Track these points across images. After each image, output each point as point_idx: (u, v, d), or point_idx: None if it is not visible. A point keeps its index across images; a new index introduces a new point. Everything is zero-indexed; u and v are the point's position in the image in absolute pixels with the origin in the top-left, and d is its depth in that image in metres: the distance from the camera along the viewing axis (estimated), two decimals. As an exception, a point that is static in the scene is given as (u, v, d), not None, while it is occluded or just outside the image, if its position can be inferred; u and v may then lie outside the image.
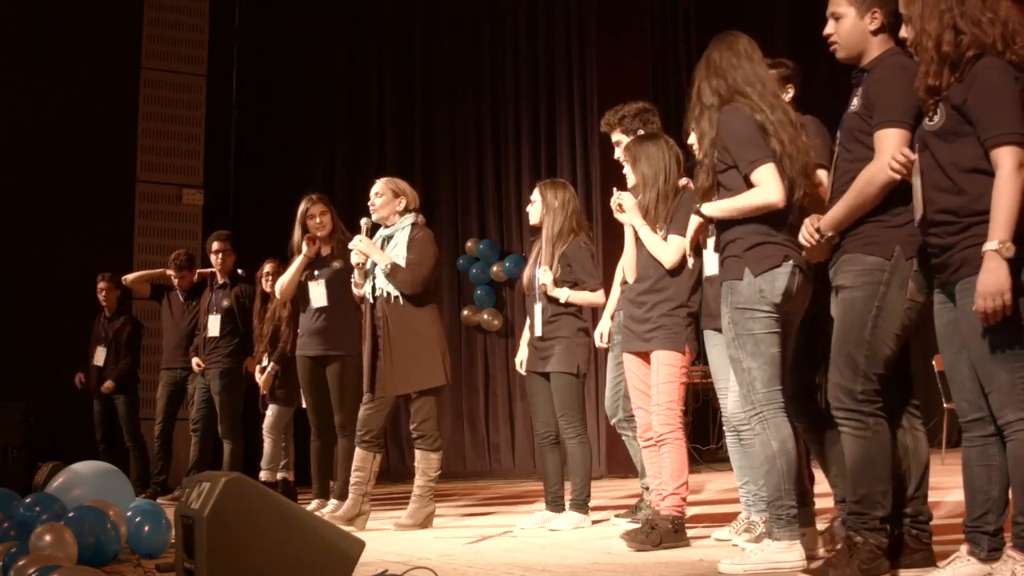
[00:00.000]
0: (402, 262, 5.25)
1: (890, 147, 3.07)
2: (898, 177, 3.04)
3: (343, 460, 5.93)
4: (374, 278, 5.31)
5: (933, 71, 2.88)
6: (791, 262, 3.44)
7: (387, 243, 5.37)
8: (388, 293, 5.25)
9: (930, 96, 2.93)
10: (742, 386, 3.50)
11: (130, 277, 7.80)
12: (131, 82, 9.43)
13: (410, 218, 5.40)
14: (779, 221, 3.47)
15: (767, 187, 3.43)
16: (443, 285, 9.67)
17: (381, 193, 5.42)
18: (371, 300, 5.34)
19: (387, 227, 5.41)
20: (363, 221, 5.40)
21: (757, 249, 3.46)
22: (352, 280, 5.45)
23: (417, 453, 5.33)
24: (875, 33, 3.24)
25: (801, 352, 3.65)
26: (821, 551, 3.64)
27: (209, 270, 7.66)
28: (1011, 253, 2.75)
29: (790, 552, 3.39)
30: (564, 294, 5.18)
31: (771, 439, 3.43)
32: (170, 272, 7.73)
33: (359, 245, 5.29)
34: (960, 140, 2.88)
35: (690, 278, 4.34)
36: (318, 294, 6.04)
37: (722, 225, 3.58)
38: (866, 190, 3.14)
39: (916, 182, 3.01)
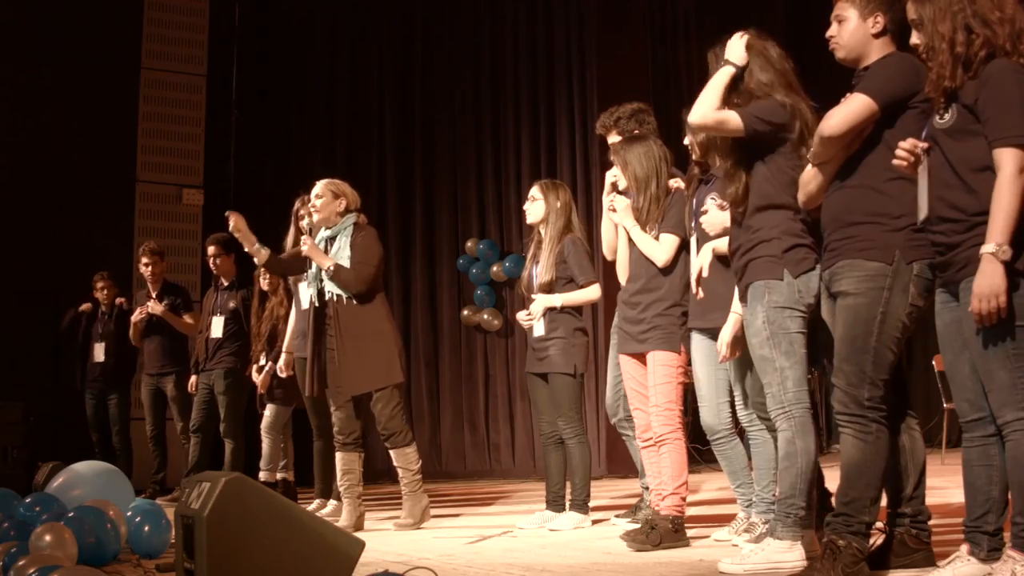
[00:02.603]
0: (346, 263, 5.24)
1: (851, 108, 3.14)
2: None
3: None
4: (321, 282, 5.30)
5: (948, 73, 2.90)
6: (820, 265, 3.46)
7: (330, 244, 5.36)
8: (338, 295, 5.25)
9: (945, 97, 2.93)
10: (772, 384, 3.49)
11: (136, 342, 7.82)
12: (131, 82, 9.43)
13: (351, 218, 5.39)
14: (804, 223, 3.49)
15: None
16: (443, 285, 9.69)
17: (321, 195, 5.39)
18: (316, 303, 5.33)
19: (329, 228, 5.39)
20: (304, 222, 5.39)
21: (795, 251, 3.47)
22: (253, 249, 5.39)
23: (392, 452, 5.32)
24: (876, 36, 3.27)
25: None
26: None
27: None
28: (1008, 256, 2.76)
29: (791, 552, 3.39)
30: (558, 300, 5.17)
31: (796, 437, 3.44)
32: (143, 262, 7.70)
33: (304, 249, 5.29)
34: (971, 139, 2.88)
35: (682, 276, 4.34)
36: (307, 295, 6.04)
37: (750, 221, 3.55)
38: (825, 128, 3.19)
39: (922, 182, 3.02)
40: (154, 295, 7.67)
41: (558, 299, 5.17)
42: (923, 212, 3.02)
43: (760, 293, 3.50)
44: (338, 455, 5.36)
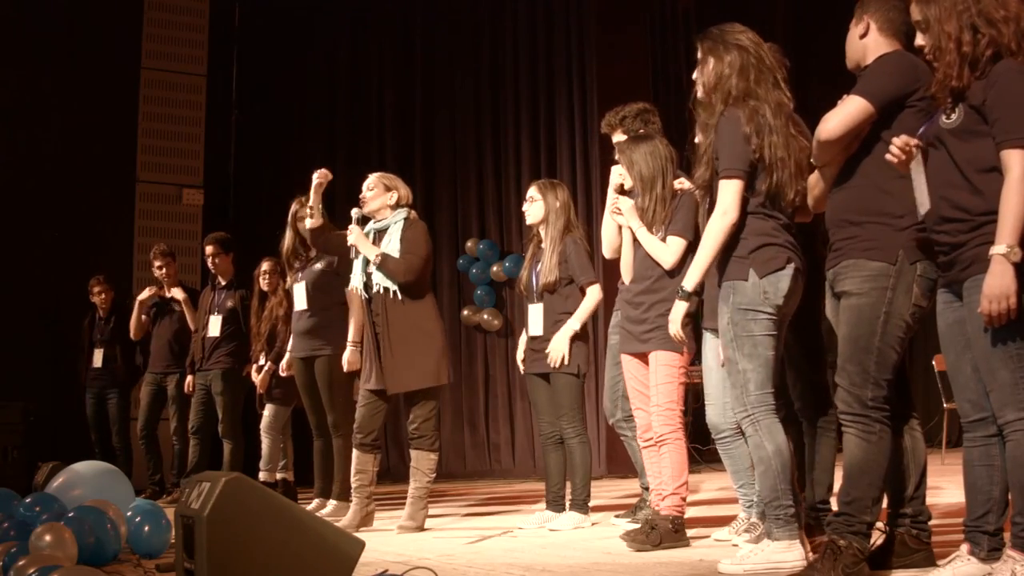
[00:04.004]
0: (396, 255, 5.18)
1: (846, 111, 3.15)
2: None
3: (339, 459, 5.92)
4: (368, 275, 5.25)
5: (955, 73, 2.89)
6: (793, 264, 3.44)
7: (379, 237, 5.31)
8: (386, 288, 5.18)
9: (951, 97, 2.93)
10: (735, 387, 3.48)
11: (135, 333, 7.81)
12: (131, 82, 9.43)
13: (403, 213, 5.32)
14: (780, 223, 3.48)
15: (722, 211, 3.43)
16: (443, 285, 9.68)
17: (372, 187, 5.36)
18: (365, 295, 5.28)
19: (378, 221, 5.34)
20: (353, 212, 5.33)
21: (762, 251, 3.44)
22: (313, 210, 5.44)
23: (415, 453, 5.24)
24: (862, 37, 3.29)
25: (809, 350, 3.66)
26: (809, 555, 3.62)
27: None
28: (1018, 257, 2.76)
29: (790, 552, 3.38)
30: (576, 325, 5.12)
31: (764, 441, 3.41)
32: (156, 265, 7.71)
33: (350, 237, 5.25)
34: (978, 139, 2.88)
35: (686, 278, 4.33)
36: (300, 295, 6.06)
37: None
38: (822, 132, 3.19)
39: (917, 177, 3.02)
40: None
41: (576, 323, 5.14)
42: (923, 207, 3.02)
43: (727, 294, 3.49)
44: (355, 453, 5.30)
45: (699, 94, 3.65)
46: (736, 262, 3.48)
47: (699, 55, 3.64)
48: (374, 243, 5.28)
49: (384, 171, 5.65)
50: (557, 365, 5.13)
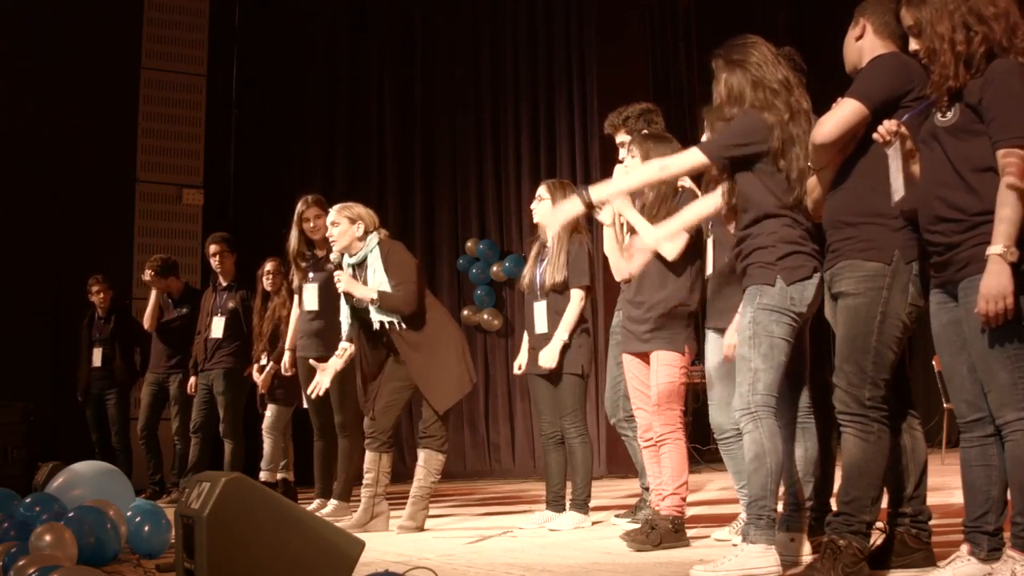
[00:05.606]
0: (387, 287, 5.12)
1: (841, 113, 3.16)
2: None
3: (343, 460, 5.92)
4: (367, 312, 5.19)
5: (951, 73, 2.90)
6: (819, 274, 3.43)
7: (358, 270, 5.25)
8: (391, 323, 5.13)
9: (948, 96, 2.93)
10: (742, 384, 3.45)
11: (148, 323, 7.80)
12: (131, 82, 9.44)
13: (374, 239, 5.24)
14: (805, 229, 3.46)
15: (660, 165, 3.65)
16: (443, 285, 9.68)
17: (337, 223, 5.22)
18: (348, 327, 5.33)
19: (352, 255, 5.25)
20: (332, 256, 5.31)
21: (790, 258, 3.42)
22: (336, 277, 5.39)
23: (423, 452, 5.24)
24: (858, 39, 3.31)
25: (812, 350, 3.67)
26: (807, 558, 3.61)
27: None
28: (1015, 257, 2.76)
29: (765, 558, 3.33)
30: (564, 335, 5.12)
31: (764, 439, 3.39)
32: (147, 276, 7.73)
33: (339, 285, 5.21)
34: (974, 138, 2.88)
35: (689, 277, 4.34)
36: (311, 297, 6.04)
37: (749, 230, 3.51)
38: (817, 135, 3.21)
39: (894, 164, 3.01)
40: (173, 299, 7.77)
41: (564, 334, 5.13)
42: (897, 194, 3.02)
43: (752, 296, 3.47)
44: (367, 453, 5.31)
45: (716, 103, 3.64)
46: (763, 268, 3.44)
47: (715, 71, 3.62)
48: (354, 277, 5.23)
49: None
50: (545, 371, 5.15)
